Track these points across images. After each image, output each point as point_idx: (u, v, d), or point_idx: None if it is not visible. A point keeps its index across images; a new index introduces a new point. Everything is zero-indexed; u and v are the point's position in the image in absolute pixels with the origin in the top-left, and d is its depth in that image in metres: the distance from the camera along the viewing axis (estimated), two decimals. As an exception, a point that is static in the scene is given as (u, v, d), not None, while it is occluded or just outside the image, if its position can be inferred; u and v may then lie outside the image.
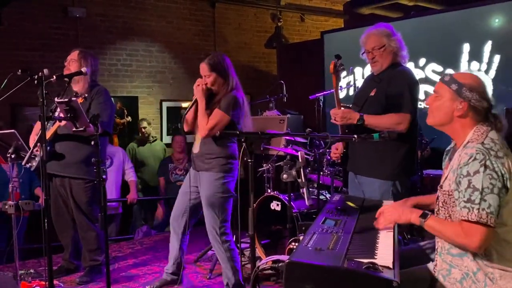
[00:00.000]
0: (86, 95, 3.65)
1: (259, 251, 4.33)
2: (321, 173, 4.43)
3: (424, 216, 2.11)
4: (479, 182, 1.94)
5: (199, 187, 3.55)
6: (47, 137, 3.55)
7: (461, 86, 2.09)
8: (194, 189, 3.60)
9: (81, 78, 3.90)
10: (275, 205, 4.35)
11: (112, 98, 6.64)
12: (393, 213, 2.25)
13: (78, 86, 3.95)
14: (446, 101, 2.13)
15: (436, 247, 2.22)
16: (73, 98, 3.36)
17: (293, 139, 4.57)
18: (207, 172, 3.47)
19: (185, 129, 3.61)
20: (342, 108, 3.16)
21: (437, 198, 2.23)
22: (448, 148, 2.33)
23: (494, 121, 2.11)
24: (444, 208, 2.14)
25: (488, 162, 1.95)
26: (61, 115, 3.42)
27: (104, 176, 3.00)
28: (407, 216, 2.18)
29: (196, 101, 3.46)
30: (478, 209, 1.93)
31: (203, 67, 3.47)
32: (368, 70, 5.81)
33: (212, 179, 3.44)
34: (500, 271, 2.01)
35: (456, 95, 2.10)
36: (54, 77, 3.10)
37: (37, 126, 4.09)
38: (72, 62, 3.96)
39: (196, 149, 3.54)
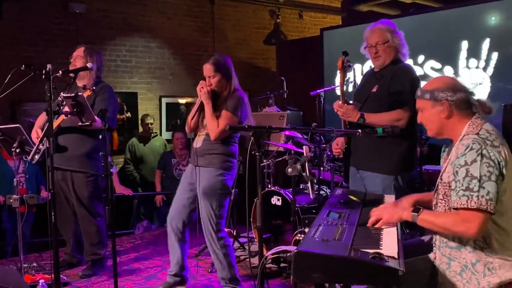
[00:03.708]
0: (94, 87, 3.67)
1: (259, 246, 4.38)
2: (321, 168, 4.48)
3: (416, 211, 2.16)
4: (477, 170, 2.00)
5: (197, 182, 3.54)
6: (51, 130, 3.59)
7: (433, 92, 2.22)
8: (192, 186, 3.60)
9: (87, 74, 3.93)
10: (275, 200, 4.40)
11: (114, 95, 6.67)
12: (383, 214, 2.26)
13: (83, 82, 3.96)
14: (429, 110, 2.25)
15: (434, 240, 2.27)
16: (79, 93, 3.38)
17: (293, 135, 4.62)
18: (207, 168, 3.49)
19: (188, 130, 3.65)
20: (346, 105, 3.20)
21: (436, 191, 2.28)
22: (446, 144, 2.41)
23: (479, 105, 2.21)
24: (445, 201, 2.20)
25: (484, 151, 2.02)
26: (67, 109, 3.44)
27: (112, 170, 3.03)
28: (398, 214, 2.22)
29: (201, 104, 3.49)
30: (478, 196, 1.98)
31: (208, 68, 3.47)
32: (366, 67, 5.87)
33: (212, 174, 3.46)
34: (499, 261, 2.06)
35: (433, 101, 2.22)
36: (60, 72, 3.13)
37: (40, 119, 4.12)
38: (78, 59, 3.99)
39: (198, 144, 3.55)
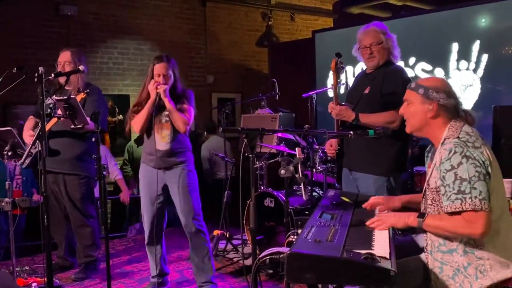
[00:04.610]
0: (88, 90, 3.66)
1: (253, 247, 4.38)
2: (314, 170, 4.49)
3: (421, 216, 2.17)
4: (465, 172, 2.03)
5: (172, 182, 3.58)
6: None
7: (427, 89, 2.23)
8: (159, 191, 3.60)
9: (77, 76, 3.91)
10: (268, 202, 4.42)
11: (104, 97, 6.71)
12: (390, 218, 2.28)
13: (72, 84, 3.96)
14: (417, 105, 2.26)
15: (425, 244, 2.28)
16: (72, 96, 3.38)
17: (285, 137, 4.64)
18: (180, 166, 3.56)
19: (138, 131, 3.58)
20: (340, 106, 3.22)
21: (424, 197, 2.30)
22: (428, 148, 2.44)
23: (465, 115, 2.24)
24: (433, 206, 2.21)
25: (468, 153, 2.05)
26: (60, 112, 3.44)
27: (104, 173, 3.03)
28: (404, 220, 2.22)
29: (154, 102, 3.45)
30: (471, 198, 2.00)
31: (164, 67, 3.50)
32: (358, 69, 5.90)
33: (186, 171, 3.56)
34: (490, 262, 2.08)
35: (425, 98, 2.23)
36: (53, 75, 3.12)
37: (29, 122, 4.11)
38: (67, 64, 3.95)
39: (163, 146, 3.54)
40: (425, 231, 2.27)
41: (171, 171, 3.56)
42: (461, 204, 2.02)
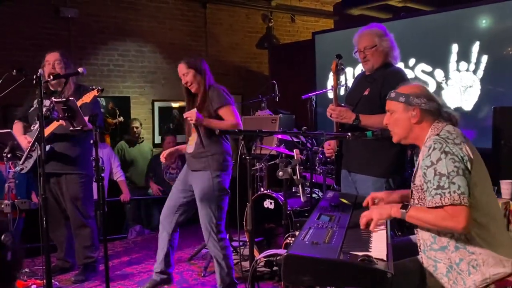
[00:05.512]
0: (100, 88, 3.67)
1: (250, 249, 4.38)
2: (314, 171, 4.49)
3: (405, 207, 2.18)
4: (444, 167, 2.05)
5: (194, 186, 3.60)
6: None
7: (408, 96, 2.27)
8: (188, 187, 3.68)
9: (69, 78, 3.93)
10: (268, 204, 4.41)
11: (104, 99, 6.74)
12: (372, 214, 2.26)
13: (67, 86, 3.96)
14: (400, 114, 2.30)
15: (418, 244, 2.29)
16: (70, 98, 3.39)
17: (285, 138, 4.63)
18: (203, 171, 3.53)
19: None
20: (340, 107, 3.22)
21: (411, 196, 2.32)
22: (415, 150, 2.49)
23: (448, 116, 2.28)
24: (420, 205, 2.23)
25: (447, 149, 2.08)
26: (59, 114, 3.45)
27: (103, 174, 3.04)
28: (387, 211, 2.23)
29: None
30: (449, 192, 2.03)
31: (182, 67, 3.59)
32: (358, 70, 5.90)
33: (209, 177, 3.51)
34: (482, 257, 2.09)
35: (407, 105, 2.27)
36: (52, 77, 3.12)
37: (16, 126, 4.12)
38: (57, 63, 3.98)
39: (190, 149, 3.61)
40: (407, 223, 2.27)
41: (195, 175, 3.60)
42: (440, 199, 2.05)
